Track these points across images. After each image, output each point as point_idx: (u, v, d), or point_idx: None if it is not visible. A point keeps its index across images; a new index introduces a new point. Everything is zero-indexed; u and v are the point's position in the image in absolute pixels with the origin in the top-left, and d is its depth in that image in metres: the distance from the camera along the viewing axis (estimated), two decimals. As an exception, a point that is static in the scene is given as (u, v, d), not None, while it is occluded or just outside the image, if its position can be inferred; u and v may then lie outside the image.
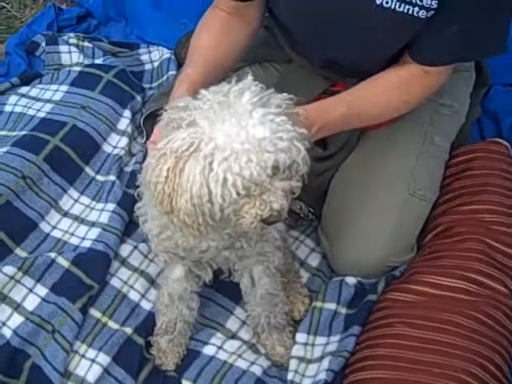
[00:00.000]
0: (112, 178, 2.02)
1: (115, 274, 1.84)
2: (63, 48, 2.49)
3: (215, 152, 1.16)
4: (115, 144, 2.14)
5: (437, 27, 1.47)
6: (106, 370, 1.66)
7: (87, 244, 1.87)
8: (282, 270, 1.77)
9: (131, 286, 1.83)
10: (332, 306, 1.77)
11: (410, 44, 1.62)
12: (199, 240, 1.44)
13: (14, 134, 2.11)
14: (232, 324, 1.80)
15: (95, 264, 1.81)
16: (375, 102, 1.69)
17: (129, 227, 1.93)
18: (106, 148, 2.12)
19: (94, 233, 1.90)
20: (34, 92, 2.29)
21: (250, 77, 1.28)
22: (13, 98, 2.27)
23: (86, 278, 1.78)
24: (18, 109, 2.23)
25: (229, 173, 1.15)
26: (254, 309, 1.71)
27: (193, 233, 1.25)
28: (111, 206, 1.95)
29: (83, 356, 1.68)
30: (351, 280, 1.79)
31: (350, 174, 1.85)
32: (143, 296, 1.83)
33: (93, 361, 1.67)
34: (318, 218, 1.96)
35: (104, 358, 1.67)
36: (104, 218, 1.92)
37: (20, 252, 1.84)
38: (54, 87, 2.29)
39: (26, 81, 2.37)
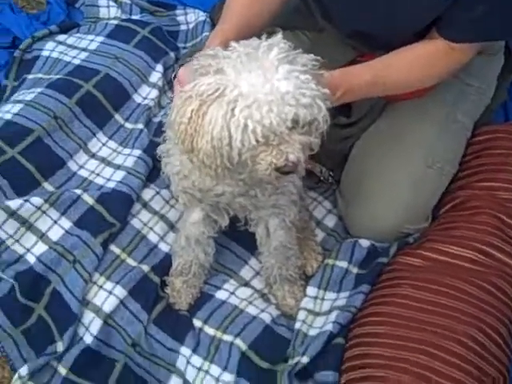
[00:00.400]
0: (140, 126, 2.08)
1: (136, 215, 1.90)
2: (102, 2, 2.55)
3: (239, 99, 1.20)
4: (145, 95, 2.20)
5: (464, 5, 1.50)
6: (121, 302, 1.72)
7: (111, 185, 1.92)
8: (298, 226, 1.81)
9: (151, 228, 1.89)
10: (344, 264, 1.82)
11: (437, 20, 1.65)
12: (214, 183, 1.46)
13: (49, 77, 2.17)
14: (245, 273, 1.85)
15: (118, 203, 1.87)
16: (400, 71, 1.72)
17: (153, 173, 1.98)
18: (137, 98, 2.17)
19: (119, 175, 1.95)
20: (70, 40, 2.35)
21: (279, 35, 1.33)
22: (50, 45, 2.32)
23: (108, 215, 1.84)
24: (54, 54, 2.29)
25: (250, 120, 1.20)
26: (267, 260, 1.76)
27: (210, 173, 1.30)
28: (137, 152, 2.00)
29: (101, 287, 1.74)
30: (365, 242, 1.82)
31: (370, 142, 1.88)
32: (162, 238, 1.88)
33: (110, 292, 1.73)
34: (337, 182, 2.01)
35: (120, 291, 1.73)
36: (129, 163, 1.98)
37: (47, 186, 1.90)
38: (90, 37, 2.34)
39: (64, 29, 2.43)
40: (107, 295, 1.72)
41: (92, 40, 2.33)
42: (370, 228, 1.80)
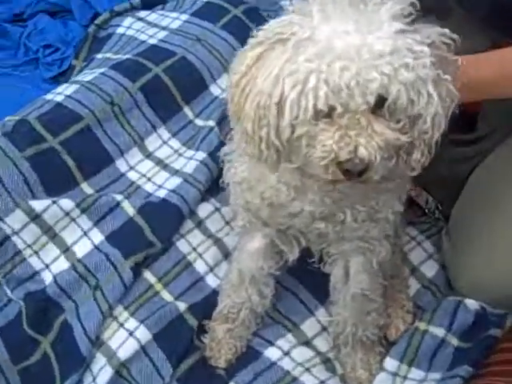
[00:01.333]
0: (211, 123, 1.70)
1: (186, 235, 1.53)
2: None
3: (309, 44, 0.90)
4: (226, 87, 1.80)
5: None
6: (142, 348, 1.35)
7: (162, 193, 1.57)
8: (386, 272, 1.38)
9: (200, 255, 1.51)
10: (440, 331, 1.36)
11: None
12: (292, 196, 1.14)
13: (117, 57, 1.84)
14: (309, 327, 1.44)
15: (164, 218, 1.51)
16: None
17: (216, 185, 1.59)
18: (214, 90, 1.80)
19: (174, 182, 1.60)
20: (152, 17, 2.01)
21: None
22: (128, 21, 2.01)
23: (149, 231, 1.48)
24: (130, 32, 1.97)
25: (314, 74, 0.88)
26: (340, 312, 1.35)
27: (253, 153, 0.99)
28: (201, 155, 1.63)
29: (121, 325, 1.38)
30: (472, 304, 1.38)
31: (498, 167, 1.47)
32: (211, 269, 1.50)
33: (131, 333, 1.37)
34: (445, 219, 1.54)
35: (144, 333, 1.37)
36: (189, 168, 1.61)
37: (86, 187, 1.58)
38: (174, 15, 2.01)
39: (149, 5, 2.09)
40: (127, 336, 1.36)
41: (176, 18, 1.99)
42: (482, 284, 1.39)
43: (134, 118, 1.69)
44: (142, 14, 2.04)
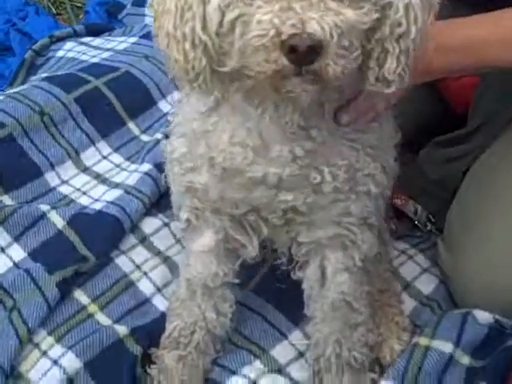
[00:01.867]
0: (159, 136, 1.48)
1: (127, 252, 1.27)
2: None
3: None
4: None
5: None
6: (69, 380, 1.04)
7: (98, 206, 1.30)
8: (374, 284, 1.11)
9: (145, 273, 1.24)
10: (447, 347, 1.08)
11: None
12: (250, 157, 0.89)
13: (53, 74, 1.61)
14: (281, 353, 1.15)
15: (100, 230, 1.25)
16: None
17: (165, 199, 1.33)
18: (164, 107, 1.60)
19: (112, 194, 1.34)
20: (96, 42, 1.83)
21: None
22: (69, 44, 1.82)
23: (81, 244, 1.22)
24: (70, 54, 1.78)
25: None
26: (319, 328, 1.07)
27: (180, 62, 0.77)
28: (146, 167, 1.40)
29: (44, 353, 1.08)
30: (483, 316, 1.12)
31: (496, 163, 1.25)
32: (159, 290, 1.23)
33: (55, 362, 1.06)
34: (439, 232, 1.29)
35: (72, 362, 1.07)
36: (132, 180, 1.36)
37: (7, 200, 1.30)
38: (121, 38, 1.83)
39: (93, 31, 1.90)
40: (50, 366, 1.05)
41: (122, 41, 1.79)
42: (491, 290, 1.14)
43: (67, 129, 1.47)
44: (87, 39, 1.85)
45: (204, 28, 0.75)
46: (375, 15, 0.75)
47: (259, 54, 0.72)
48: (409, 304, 1.24)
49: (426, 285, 1.27)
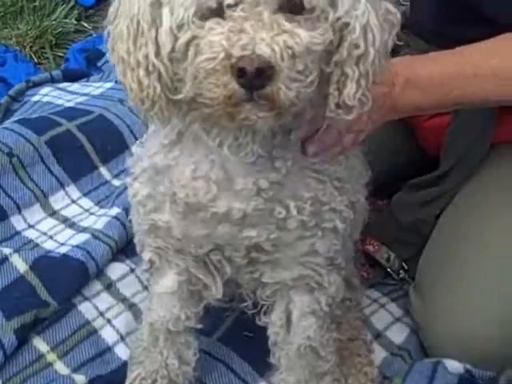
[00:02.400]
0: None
1: (91, 298, 1.23)
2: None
3: None
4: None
5: None
6: None
7: (63, 250, 1.26)
8: (343, 332, 1.08)
9: (109, 321, 1.21)
10: (416, 399, 1.03)
11: None
12: (214, 192, 0.86)
13: (28, 116, 1.60)
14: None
15: (62, 274, 1.22)
16: None
17: (132, 245, 1.29)
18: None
19: (79, 238, 1.30)
20: (73, 87, 1.82)
21: None
22: (46, 89, 1.81)
23: (42, 289, 1.19)
24: (46, 98, 1.76)
25: None
26: (284, 377, 1.04)
27: (134, 90, 0.75)
28: (115, 211, 1.37)
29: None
30: (455, 366, 1.09)
31: (468, 209, 1.24)
32: (122, 338, 1.19)
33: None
34: (412, 280, 1.27)
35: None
36: (100, 224, 1.33)
37: (-31, 244, 1.26)
38: (98, 84, 1.82)
39: (70, 78, 1.90)
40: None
41: (99, 86, 1.78)
42: (463, 339, 1.10)
43: (36, 172, 1.44)
44: (63, 85, 1.84)
45: (157, 53, 0.74)
46: (331, 36, 0.73)
47: (210, 79, 0.70)
48: (379, 354, 1.20)
49: (398, 334, 1.24)
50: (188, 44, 0.72)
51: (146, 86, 0.75)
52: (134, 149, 0.98)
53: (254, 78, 0.68)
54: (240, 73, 0.68)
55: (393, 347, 1.22)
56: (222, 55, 0.68)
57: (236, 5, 0.69)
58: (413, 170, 1.38)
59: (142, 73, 0.74)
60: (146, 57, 0.74)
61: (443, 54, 1.06)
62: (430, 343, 1.16)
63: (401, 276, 1.34)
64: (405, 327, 1.25)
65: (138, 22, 0.73)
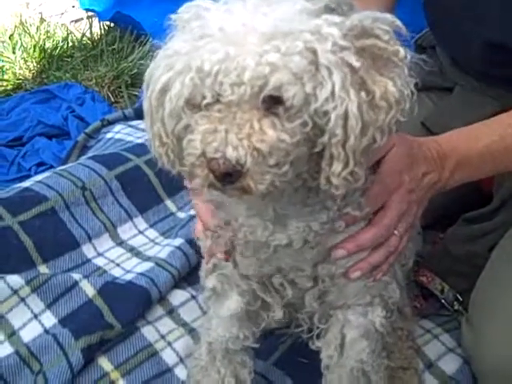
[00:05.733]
0: (193, 212, 1.51)
1: (153, 322, 1.30)
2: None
3: (195, 25, 0.78)
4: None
5: None
6: None
7: (129, 277, 1.34)
8: (394, 359, 1.13)
9: (169, 344, 1.27)
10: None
11: None
12: (271, 229, 0.90)
13: (101, 152, 1.71)
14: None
15: (128, 300, 1.29)
16: None
17: (194, 273, 1.37)
18: (203, 186, 1.63)
19: (144, 266, 1.39)
20: (143, 125, 1.88)
21: None
22: (118, 127, 1.91)
23: (108, 312, 1.26)
24: (118, 136, 1.86)
25: (183, 58, 0.77)
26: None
27: (158, 154, 0.84)
28: (178, 241, 1.44)
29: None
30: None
31: None
32: (181, 360, 1.25)
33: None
34: (466, 312, 1.28)
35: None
36: (163, 253, 1.41)
37: (44, 269, 1.37)
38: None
39: (141, 115, 1.99)
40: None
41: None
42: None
43: (106, 204, 1.53)
44: (135, 122, 1.94)
45: (164, 129, 0.81)
46: (309, 127, 0.76)
47: (195, 167, 0.77)
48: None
49: (450, 365, 1.25)
50: (185, 129, 0.79)
51: (162, 154, 0.83)
52: None
53: (224, 177, 0.74)
54: (212, 171, 0.74)
55: (445, 377, 1.24)
56: (198, 153, 0.75)
57: (214, 104, 0.75)
58: (467, 204, 1.40)
59: (157, 143, 0.83)
60: (158, 131, 0.82)
61: (486, 127, 1.09)
62: (481, 375, 1.17)
63: (455, 308, 1.36)
64: (457, 358, 1.26)
65: (151, 103, 0.81)
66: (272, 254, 0.94)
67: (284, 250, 0.93)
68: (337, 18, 0.77)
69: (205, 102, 0.75)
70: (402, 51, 0.79)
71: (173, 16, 0.83)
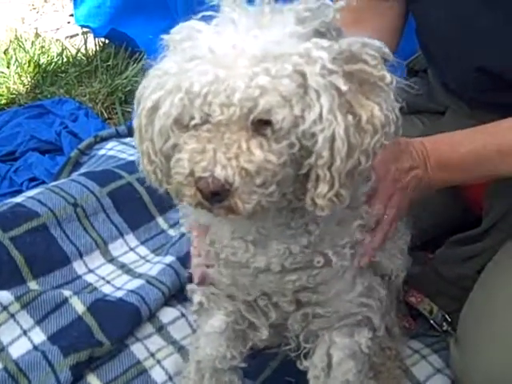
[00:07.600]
0: (184, 229, 1.52)
1: (143, 339, 1.30)
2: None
3: (186, 46, 0.80)
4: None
5: None
6: None
7: (119, 294, 1.35)
8: (382, 380, 1.13)
9: (158, 362, 1.27)
10: None
11: None
12: (252, 251, 0.93)
13: (93, 169, 1.71)
14: None
15: (118, 317, 1.30)
16: None
17: (185, 291, 1.37)
18: (193, 202, 1.64)
19: (134, 284, 1.39)
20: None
21: None
22: (111, 144, 1.92)
23: (98, 330, 1.26)
24: (110, 153, 1.87)
25: (173, 78, 0.78)
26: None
27: (147, 171, 0.86)
28: (169, 259, 1.45)
29: None
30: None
31: (509, 266, 1.26)
32: (171, 379, 1.25)
33: None
34: (454, 331, 1.29)
35: None
36: (154, 271, 1.42)
37: (33, 286, 1.36)
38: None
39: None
40: None
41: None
42: None
43: (98, 221, 1.54)
44: (127, 139, 1.95)
45: (153, 149, 0.82)
46: (295, 149, 0.77)
47: (183, 186, 0.78)
48: (419, 404, 1.22)
49: (439, 386, 1.26)
50: (173, 148, 0.80)
51: (150, 172, 0.85)
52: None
53: (212, 196, 0.75)
54: (200, 190, 0.76)
55: (433, 398, 1.24)
56: (186, 172, 0.76)
57: (202, 124, 0.76)
58: (456, 225, 1.42)
59: (145, 161, 0.84)
60: (147, 149, 0.83)
61: (473, 131, 1.11)
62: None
63: (444, 329, 1.36)
64: (446, 379, 1.28)
65: (141, 121, 0.82)
66: (254, 279, 0.95)
67: (266, 277, 0.94)
68: (326, 42, 0.78)
69: (193, 122, 0.77)
70: (388, 76, 0.81)
71: (165, 36, 0.84)
